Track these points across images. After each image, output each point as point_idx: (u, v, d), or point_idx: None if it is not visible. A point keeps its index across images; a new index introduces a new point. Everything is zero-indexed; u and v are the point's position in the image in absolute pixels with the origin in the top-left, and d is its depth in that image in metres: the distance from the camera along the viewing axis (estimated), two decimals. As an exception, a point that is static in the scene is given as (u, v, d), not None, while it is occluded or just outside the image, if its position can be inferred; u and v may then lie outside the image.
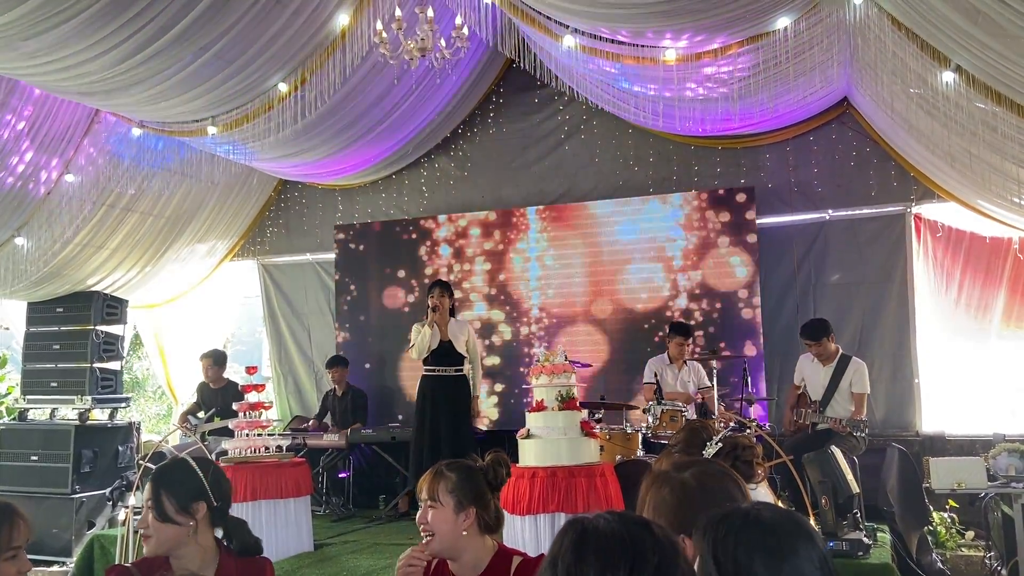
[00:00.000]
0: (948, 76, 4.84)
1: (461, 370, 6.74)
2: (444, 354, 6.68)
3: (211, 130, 6.50)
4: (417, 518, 2.53)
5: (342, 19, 5.81)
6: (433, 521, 2.47)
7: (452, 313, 6.88)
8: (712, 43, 5.54)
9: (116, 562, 4.82)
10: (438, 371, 6.70)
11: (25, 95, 6.22)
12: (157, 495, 2.47)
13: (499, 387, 8.07)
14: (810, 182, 7.53)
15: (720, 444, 2.93)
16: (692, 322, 7.37)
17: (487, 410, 7.95)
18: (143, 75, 5.57)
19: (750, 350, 7.25)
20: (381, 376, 8.49)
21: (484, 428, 7.78)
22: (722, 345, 7.31)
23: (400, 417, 8.24)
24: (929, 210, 7.19)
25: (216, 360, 8.03)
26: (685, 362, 6.91)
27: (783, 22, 5.13)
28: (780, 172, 7.62)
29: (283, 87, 6.20)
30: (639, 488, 2.08)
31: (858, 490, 5.55)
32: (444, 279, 7.43)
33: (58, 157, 6.84)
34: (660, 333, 7.46)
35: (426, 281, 8.02)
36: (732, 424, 5.55)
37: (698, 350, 7.28)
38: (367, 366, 8.53)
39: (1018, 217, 6.28)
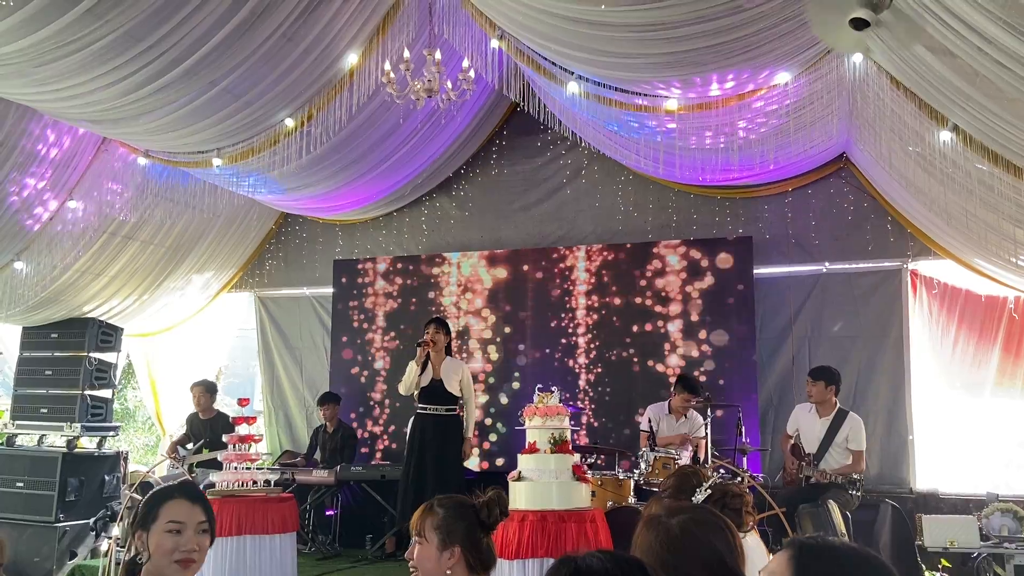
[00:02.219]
0: (945, 135, 4.90)
1: (453, 410, 6.70)
2: (435, 393, 6.65)
3: (216, 162, 6.56)
4: (406, 554, 2.51)
5: (351, 58, 5.90)
6: (418, 557, 2.42)
7: (448, 352, 6.86)
8: (713, 95, 5.63)
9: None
10: (429, 409, 6.66)
11: (34, 121, 6.27)
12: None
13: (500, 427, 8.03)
14: (808, 234, 7.58)
15: (709, 491, 2.90)
16: (684, 368, 7.35)
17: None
18: (152, 106, 5.63)
19: (745, 400, 7.22)
20: (373, 413, 8.44)
21: (475, 468, 7.72)
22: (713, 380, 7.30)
23: (382, 455, 8.18)
24: (925, 266, 7.24)
25: (208, 388, 8.02)
26: (685, 414, 6.84)
27: (783, 77, 5.22)
28: (778, 223, 7.68)
29: (290, 122, 6.26)
30: (629, 535, 2.07)
31: (850, 546, 5.48)
32: (441, 317, 7.41)
33: (62, 184, 6.88)
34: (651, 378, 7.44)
35: (423, 319, 8.01)
36: (723, 471, 5.51)
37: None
38: (359, 403, 8.49)
39: (1014, 276, 6.31)
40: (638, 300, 7.75)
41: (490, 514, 2.48)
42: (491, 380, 8.09)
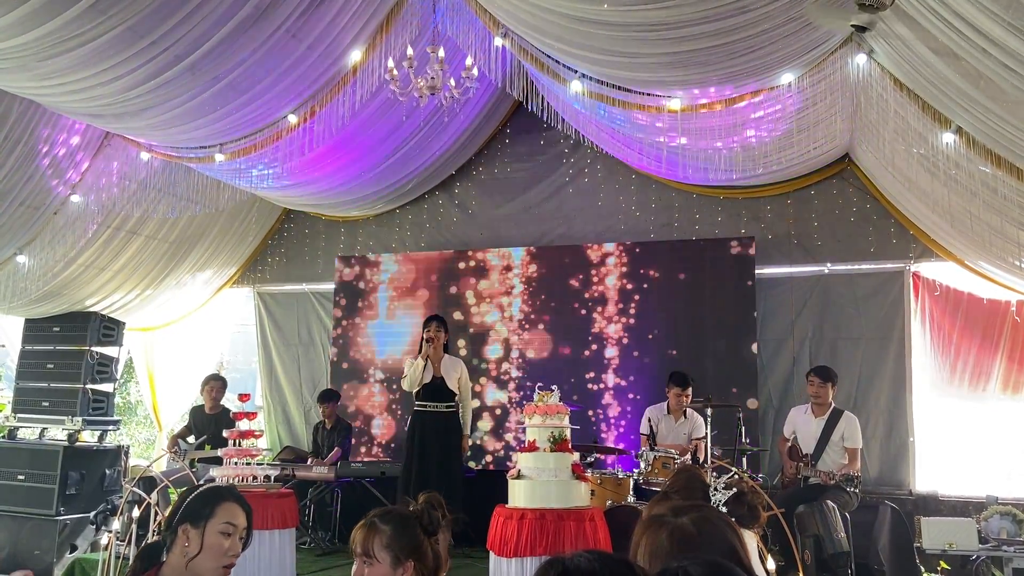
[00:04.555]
0: (949, 137, 4.90)
1: (453, 407, 6.71)
2: (436, 390, 6.66)
3: (219, 157, 6.56)
4: (353, 573, 2.38)
5: (354, 55, 5.90)
6: None
7: (447, 349, 6.87)
8: (716, 95, 5.62)
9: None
10: (429, 407, 6.67)
11: (37, 115, 6.28)
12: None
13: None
14: (810, 235, 7.58)
15: (735, 488, 2.92)
16: (683, 368, 7.33)
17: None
18: (155, 101, 5.63)
19: (746, 400, 7.22)
20: (373, 410, 8.45)
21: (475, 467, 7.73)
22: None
23: (382, 452, 8.19)
24: (928, 269, 7.23)
25: (224, 384, 8.09)
26: (684, 413, 6.85)
27: (787, 78, 5.21)
28: (780, 224, 7.67)
29: (293, 118, 6.26)
30: (628, 534, 2.04)
31: (848, 548, 5.49)
32: (440, 314, 7.40)
33: (66, 178, 6.88)
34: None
35: (424, 315, 8.00)
36: (734, 471, 5.51)
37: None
38: (361, 399, 8.50)
39: (1017, 279, 6.30)
40: (639, 300, 7.75)
41: (431, 520, 2.44)
42: (492, 378, 8.08)
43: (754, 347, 7.35)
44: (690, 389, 6.76)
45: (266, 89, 5.87)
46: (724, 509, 3.23)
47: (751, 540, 3.32)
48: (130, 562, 3.04)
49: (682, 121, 5.87)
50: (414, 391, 6.74)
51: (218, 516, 2.50)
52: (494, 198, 8.66)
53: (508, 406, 8.00)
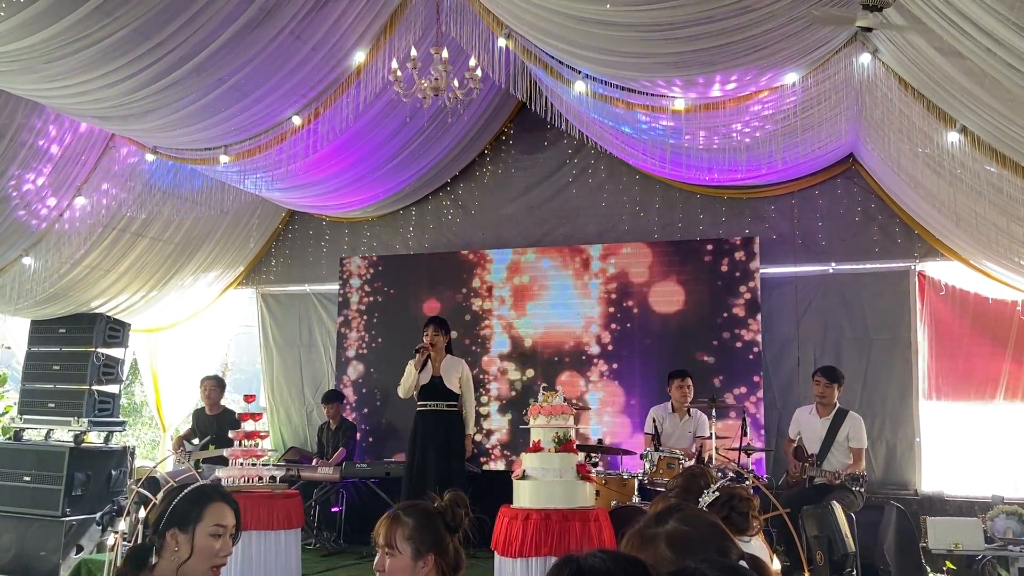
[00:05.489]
0: (954, 136, 4.89)
1: (455, 405, 6.73)
2: (436, 389, 6.69)
3: (223, 159, 6.58)
4: (375, 564, 2.43)
5: (358, 56, 5.91)
6: (390, 570, 2.38)
7: (448, 350, 6.89)
8: (720, 95, 5.62)
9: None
10: (430, 406, 6.69)
11: (43, 118, 6.29)
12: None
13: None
14: (814, 235, 7.56)
15: (717, 493, 2.90)
16: (689, 368, 7.34)
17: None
18: (160, 103, 5.64)
19: (750, 400, 7.22)
20: (380, 411, 8.45)
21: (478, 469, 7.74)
22: (724, 383, 7.28)
23: (386, 453, 8.19)
24: (933, 268, 7.21)
25: (219, 384, 8.10)
26: (688, 411, 6.86)
27: (791, 78, 5.21)
28: (784, 223, 7.66)
29: (297, 120, 6.28)
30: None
31: (854, 549, 5.48)
32: (440, 317, 7.39)
33: (71, 180, 6.90)
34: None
35: (427, 317, 8.02)
36: (731, 474, 5.51)
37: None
38: (363, 400, 8.50)
39: (1023, 279, 6.29)
40: (643, 301, 7.74)
41: (454, 517, 2.45)
42: (494, 379, 8.09)
43: (758, 347, 7.34)
44: (690, 380, 6.79)
45: (270, 91, 5.88)
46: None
47: (757, 541, 3.31)
48: (117, 565, 2.98)
49: (687, 121, 5.86)
50: (412, 394, 6.77)
51: (207, 519, 2.47)
52: (497, 198, 8.65)
53: (509, 407, 7.99)
